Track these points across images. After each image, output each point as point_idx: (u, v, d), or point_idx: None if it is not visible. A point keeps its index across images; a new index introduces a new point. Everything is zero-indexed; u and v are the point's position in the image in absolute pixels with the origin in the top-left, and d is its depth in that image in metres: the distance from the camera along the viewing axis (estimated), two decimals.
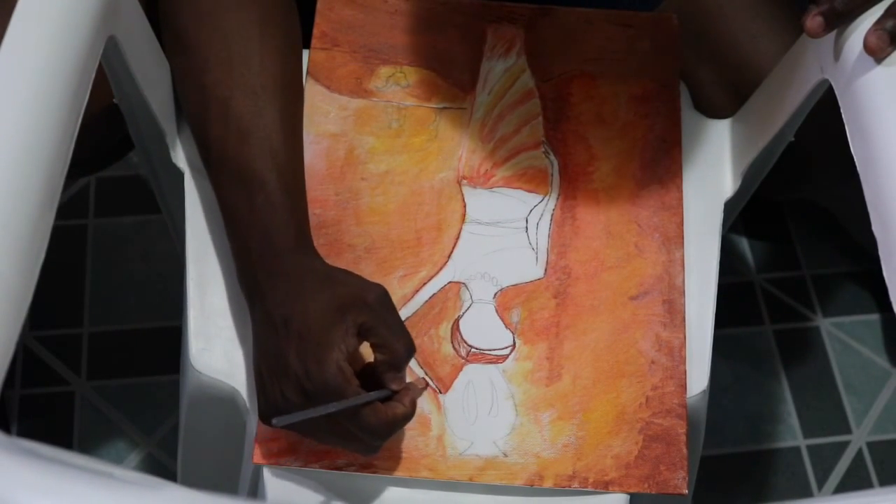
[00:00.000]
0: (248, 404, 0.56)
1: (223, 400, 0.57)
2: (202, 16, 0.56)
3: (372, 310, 0.50)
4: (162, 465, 0.84)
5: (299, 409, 0.49)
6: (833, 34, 0.50)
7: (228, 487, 0.62)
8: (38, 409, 0.86)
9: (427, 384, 0.54)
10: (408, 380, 0.52)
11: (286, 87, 0.57)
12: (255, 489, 0.56)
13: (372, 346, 0.51)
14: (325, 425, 0.50)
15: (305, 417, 0.49)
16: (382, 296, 0.51)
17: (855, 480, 0.87)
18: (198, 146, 0.57)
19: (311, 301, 0.50)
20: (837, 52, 0.50)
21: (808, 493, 0.86)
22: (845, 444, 0.89)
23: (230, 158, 0.54)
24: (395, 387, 0.50)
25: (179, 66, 0.57)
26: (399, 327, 0.51)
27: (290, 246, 0.53)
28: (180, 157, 0.61)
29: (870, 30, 0.48)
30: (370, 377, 0.51)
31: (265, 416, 0.52)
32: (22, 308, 0.39)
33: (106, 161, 0.69)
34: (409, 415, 0.51)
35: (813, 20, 0.49)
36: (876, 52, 0.47)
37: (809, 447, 0.89)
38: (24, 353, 0.88)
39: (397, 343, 0.50)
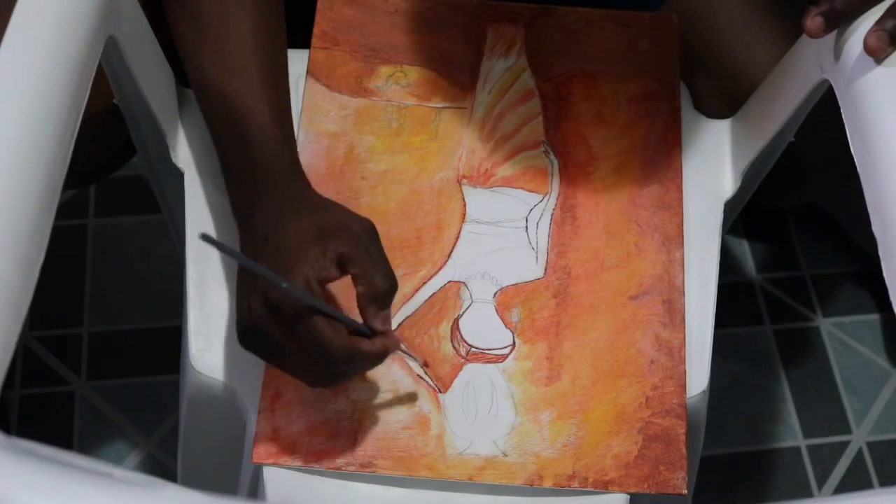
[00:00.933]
0: (247, 404, 0.56)
1: (223, 400, 0.57)
2: None
3: (355, 239, 0.49)
4: (162, 465, 0.84)
5: (264, 322, 0.48)
6: (833, 34, 0.50)
7: (228, 488, 0.62)
8: (38, 409, 0.86)
9: (403, 349, 0.53)
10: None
11: (276, 31, 0.58)
12: (255, 489, 0.56)
13: (353, 278, 0.49)
14: (284, 339, 0.48)
15: (257, 270, 0.46)
16: (368, 228, 0.50)
17: (855, 480, 0.87)
18: (193, 84, 0.57)
19: (295, 221, 0.50)
20: (837, 52, 0.50)
21: (808, 493, 0.86)
22: (845, 444, 0.89)
23: (224, 94, 0.55)
24: (376, 324, 0.49)
25: (175, 10, 0.57)
26: (381, 261, 0.50)
27: (283, 172, 0.53)
28: (181, 158, 0.61)
29: (870, 30, 0.48)
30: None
31: (239, 334, 0.51)
32: (22, 308, 0.39)
33: (108, 168, 0.69)
34: (376, 356, 0.49)
35: (813, 20, 0.49)
36: (876, 53, 0.47)
37: (809, 447, 0.89)
38: (24, 353, 0.88)
39: (377, 275, 0.49)
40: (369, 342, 0.49)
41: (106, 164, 0.69)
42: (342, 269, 0.49)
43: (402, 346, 0.52)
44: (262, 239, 0.50)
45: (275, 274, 0.48)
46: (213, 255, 0.59)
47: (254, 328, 0.50)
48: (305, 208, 0.51)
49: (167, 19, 0.58)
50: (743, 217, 0.97)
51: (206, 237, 0.46)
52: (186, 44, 0.57)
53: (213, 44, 0.56)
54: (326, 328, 0.48)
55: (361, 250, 0.49)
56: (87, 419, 0.86)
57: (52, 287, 0.85)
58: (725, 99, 0.65)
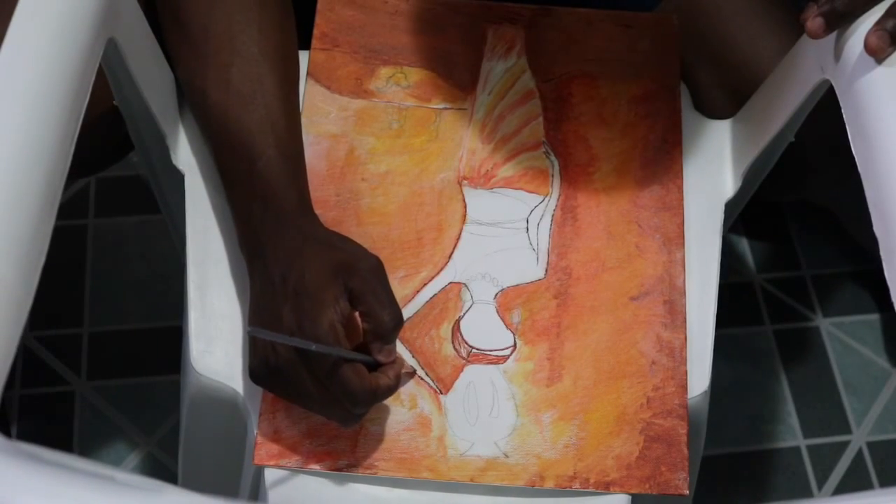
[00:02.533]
0: (248, 406, 0.56)
1: (224, 402, 0.57)
2: None
3: (362, 277, 0.50)
4: (162, 465, 0.84)
5: (288, 364, 0.50)
6: (833, 34, 0.50)
7: (229, 489, 0.62)
8: (38, 409, 0.86)
9: (415, 372, 0.54)
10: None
11: (285, 56, 0.57)
12: (256, 491, 0.56)
13: (360, 314, 0.51)
14: (310, 384, 0.50)
15: (285, 342, 0.48)
16: (375, 265, 0.51)
17: (855, 480, 0.87)
18: (196, 113, 0.57)
19: (309, 261, 0.51)
20: (838, 52, 0.50)
21: (808, 493, 0.86)
22: (845, 444, 0.89)
23: (230, 124, 0.54)
24: (381, 358, 0.51)
25: (176, 37, 0.57)
26: (388, 298, 0.51)
27: (292, 209, 0.53)
28: (181, 160, 0.61)
29: (870, 30, 0.48)
30: (364, 352, 0.51)
31: (254, 374, 0.52)
32: (23, 311, 0.39)
33: (107, 162, 0.69)
34: (392, 388, 0.51)
35: (814, 21, 0.49)
36: (877, 53, 0.47)
37: (809, 447, 0.89)
38: (24, 353, 0.88)
39: (383, 312, 0.50)
40: (385, 377, 0.51)
41: (106, 158, 0.69)
42: (351, 304, 0.51)
43: (406, 366, 0.54)
44: (280, 281, 0.51)
45: (302, 340, 0.49)
46: (214, 257, 0.59)
47: (278, 371, 0.50)
48: (317, 246, 0.52)
49: (164, 39, 0.57)
50: (743, 217, 0.97)
51: (257, 333, 0.48)
52: (186, 65, 0.56)
53: (218, 69, 0.55)
54: (352, 375, 0.49)
55: (368, 289, 0.50)
56: (87, 419, 0.86)
57: (52, 287, 0.85)
58: (729, 91, 0.65)
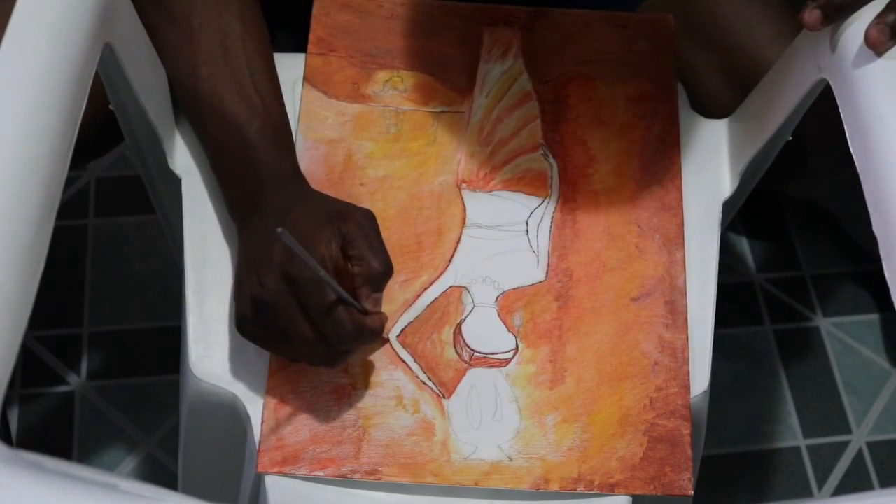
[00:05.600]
0: (248, 410, 0.55)
1: (223, 407, 0.57)
2: None
3: (356, 221, 0.52)
4: (162, 466, 0.84)
5: (277, 297, 0.50)
6: (830, 33, 0.50)
7: (230, 494, 0.62)
8: (38, 409, 0.86)
9: (388, 340, 0.55)
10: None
11: (264, 35, 0.59)
12: (257, 496, 0.56)
13: (352, 259, 0.51)
14: (298, 317, 0.50)
15: (303, 255, 0.48)
16: (369, 216, 0.53)
17: (855, 480, 0.87)
18: (181, 94, 0.58)
19: (304, 208, 0.52)
20: (835, 51, 0.50)
21: (808, 493, 0.86)
22: (845, 444, 0.89)
23: (221, 96, 0.56)
24: (368, 306, 0.51)
25: (157, 16, 0.57)
26: (379, 245, 0.52)
27: (286, 171, 0.55)
28: (178, 164, 0.61)
29: (871, 23, 0.48)
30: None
31: (240, 320, 0.52)
32: (23, 318, 0.39)
33: (95, 153, 0.69)
34: (377, 332, 0.52)
35: (811, 14, 0.49)
36: (877, 46, 0.47)
37: (809, 447, 0.89)
38: (24, 353, 0.87)
39: (374, 258, 0.51)
40: (371, 318, 0.51)
41: (95, 150, 0.68)
42: (343, 251, 0.52)
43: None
44: (274, 223, 0.51)
45: (317, 265, 0.49)
46: (212, 260, 0.59)
47: (265, 304, 0.51)
48: (312, 200, 0.54)
49: (146, 24, 0.58)
50: (743, 217, 0.97)
51: (283, 233, 0.47)
52: (173, 46, 0.57)
53: (206, 46, 0.56)
54: (344, 313, 0.50)
55: (361, 233, 0.51)
56: (87, 419, 0.86)
57: (52, 287, 0.85)
58: (727, 78, 0.65)
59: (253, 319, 0.52)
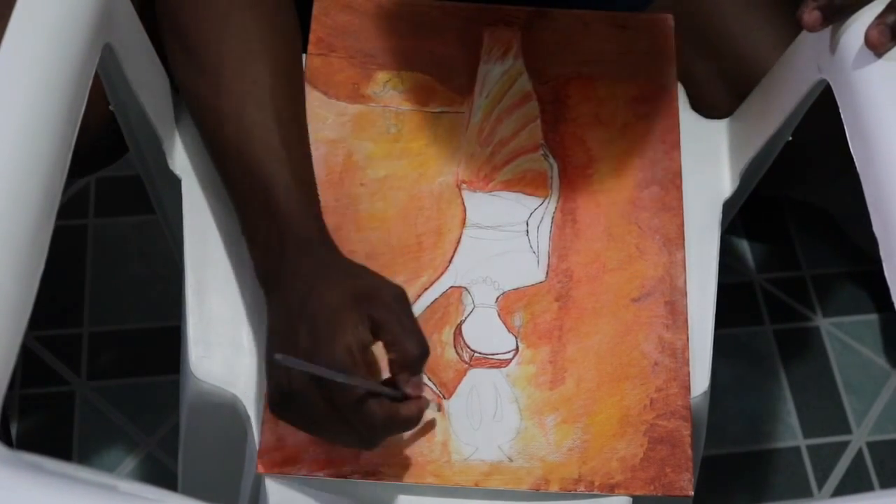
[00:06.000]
0: (248, 411, 0.55)
1: (223, 407, 0.57)
2: (212, 12, 0.55)
3: (386, 306, 0.49)
4: (162, 465, 0.84)
5: (302, 390, 0.48)
6: (830, 34, 0.50)
7: (230, 495, 0.62)
8: (38, 409, 0.86)
9: (440, 403, 0.54)
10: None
11: (296, 86, 0.57)
12: (257, 497, 0.56)
13: (385, 344, 0.50)
14: (325, 410, 0.49)
15: (311, 370, 0.47)
16: (399, 294, 0.50)
17: (855, 480, 0.87)
18: (208, 146, 0.56)
19: (329, 288, 0.50)
20: (835, 52, 0.50)
21: (808, 493, 0.86)
22: (845, 444, 0.89)
23: (246, 154, 0.53)
24: (408, 390, 0.50)
25: (187, 65, 0.56)
26: (413, 328, 0.50)
27: (311, 237, 0.52)
28: (177, 164, 0.61)
29: (871, 24, 0.48)
30: (389, 385, 0.50)
31: (272, 402, 0.51)
32: (22, 320, 0.39)
33: (102, 162, 0.68)
34: (414, 420, 0.50)
35: (810, 14, 0.49)
36: (877, 47, 0.47)
37: (809, 447, 0.89)
38: (24, 353, 0.87)
39: (409, 342, 0.49)
40: (406, 407, 0.50)
41: (101, 158, 0.68)
42: (374, 334, 0.50)
43: (431, 403, 0.53)
44: (298, 304, 0.50)
45: (333, 372, 0.47)
46: (212, 261, 0.59)
47: (292, 396, 0.49)
48: (337, 275, 0.51)
49: (177, 75, 0.56)
50: (743, 217, 0.97)
51: (286, 361, 0.46)
52: (199, 98, 0.55)
53: (233, 101, 0.54)
54: (377, 407, 0.48)
55: (394, 317, 0.49)
56: (87, 419, 0.86)
57: (52, 287, 0.85)
58: (727, 84, 0.65)
59: (283, 407, 0.50)
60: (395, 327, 0.49)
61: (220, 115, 0.54)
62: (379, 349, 0.50)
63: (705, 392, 0.57)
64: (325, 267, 0.51)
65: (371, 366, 0.51)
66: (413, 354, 0.49)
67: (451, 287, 0.58)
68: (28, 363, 0.87)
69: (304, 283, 0.50)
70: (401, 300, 0.50)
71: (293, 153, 0.54)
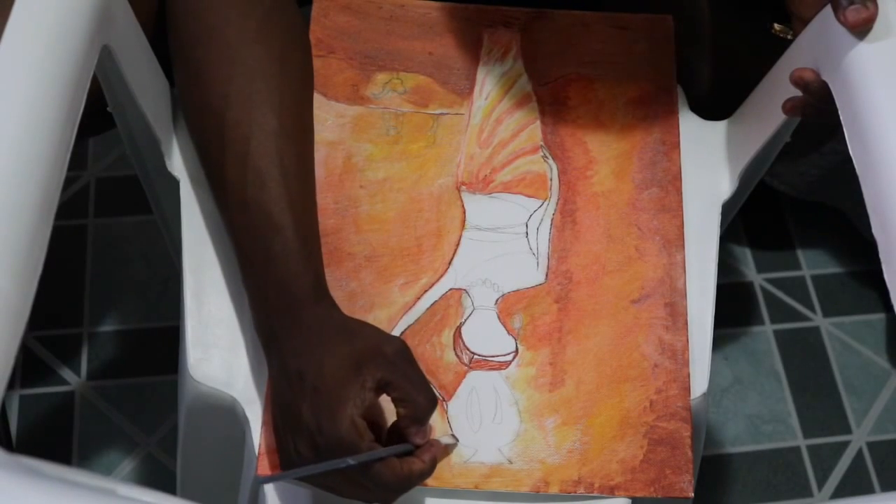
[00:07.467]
0: (247, 414, 0.55)
1: (222, 409, 0.57)
2: (222, 48, 0.54)
3: (391, 363, 0.49)
4: (161, 465, 0.84)
5: (310, 461, 0.48)
6: (829, 35, 0.50)
7: (229, 497, 0.62)
8: (38, 409, 0.86)
9: (457, 441, 0.53)
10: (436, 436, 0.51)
11: (304, 129, 0.56)
12: (256, 498, 0.56)
13: (393, 400, 0.49)
14: (340, 478, 0.49)
15: (317, 471, 0.47)
16: (401, 349, 0.50)
17: (855, 480, 0.87)
18: (211, 185, 0.55)
19: (327, 355, 0.49)
20: (834, 52, 0.50)
21: (808, 493, 0.86)
22: (845, 444, 0.89)
23: (247, 203, 0.53)
24: (417, 440, 0.49)
25: (194, 101, 0.55)
26: (420, 380, 0.49)
27: (307, 295, 0.51)
28: (175, 166, 0.61)
29: (841, 10, 0.47)
30: (393, 432, 0.50)
31: (285, 467, 0.51)
32: (21, 321, 0.39)
33: (104, 124, 0.67)
34: (427, 472, 0.49)
35: (857, 14, 0.47)
36: (858, 25, 0.47)
37: (809, 447, 0.89)
38: (24, 353, 0.87)
39: (419, 396, 0.49)
40: (419, 462, 0.49)
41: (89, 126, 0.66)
42: (381, 391, 0.49)
43: (442, 441, 0.52)
44: (297, 377, 0.49)
45: (336, 462, 0.47)
46: (211, 263, 0.59)
47: (303, 465, 0.49)
48: (335, 336, 0.50)
49: (185, 115, 0.55)
50: (743, 218, 0.97)
51: (294, 475, 0.47)
52: (202, 142, 0.55)
53: (234, 147, 0.53)
54: (385, 470, 0.48)
55: (399, 374, 0.49)
56: (87, 419, 0.86)
57: (52, 287, 0.85)
58: (726, 85, 0.64)
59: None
60: (402, 384, 0.49)
61: (221, 162, 0.53)
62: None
63: (705, 394, 0.57)
64: (321, 326, 0.50)
65: (377, 422, 0.50)
66: (424, 408, 0.49)
67: (451, 289, 0.58)
68: (28, 363, 0.87)
69: (301, 349, 0.50)
70: (403, 355, 0.50)
71: (296, 203, 0.53)
